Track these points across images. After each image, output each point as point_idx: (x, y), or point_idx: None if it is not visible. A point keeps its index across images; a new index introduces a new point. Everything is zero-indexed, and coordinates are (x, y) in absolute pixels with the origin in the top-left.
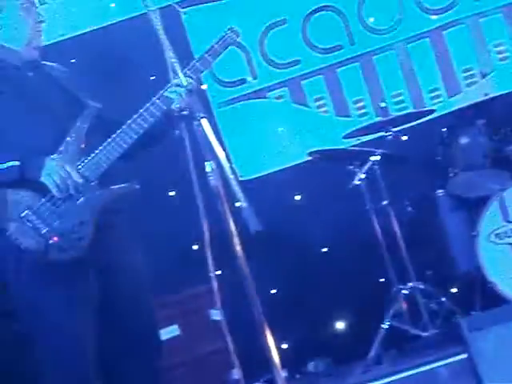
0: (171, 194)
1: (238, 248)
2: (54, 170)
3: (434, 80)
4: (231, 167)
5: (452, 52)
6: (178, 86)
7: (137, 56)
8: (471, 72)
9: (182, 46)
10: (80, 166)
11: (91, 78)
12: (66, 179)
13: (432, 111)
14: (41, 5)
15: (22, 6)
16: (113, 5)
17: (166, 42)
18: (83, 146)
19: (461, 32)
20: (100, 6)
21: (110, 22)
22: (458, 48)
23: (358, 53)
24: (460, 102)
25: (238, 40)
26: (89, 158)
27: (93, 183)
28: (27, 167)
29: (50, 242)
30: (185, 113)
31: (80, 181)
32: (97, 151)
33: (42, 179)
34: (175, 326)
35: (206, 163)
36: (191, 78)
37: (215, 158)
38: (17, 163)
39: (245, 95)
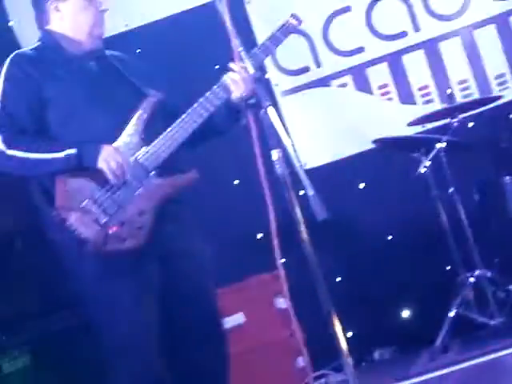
0: (236, 182)
1: (305, 236)
2: (111, 157)
3: (500, 66)
4: (296, 155)
5: None
6: (232, 71)
7: (201, 45)
8: None
9: (246, 35)
10: (139, 156)
11: (156, 67)
12: (122, 165)
13: (498, 97)
14: None
15: None
16: None
17: (231, 30)
18: (143, 136)
19: None
20: None
21: (174, 12)
22: None
23: (423, 39)
24: None
25: (299, 27)
26: (148, 147)
27: (152, 173)
28: (84, 154)
29: (110, 231)
30: (251, 101)
31: (137, 172)
32: (156, 141)
33: (99, 165)
34: (240, 314)
35: (272, 151)
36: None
37: (281, 146)
38: (74, 151)
39: (308, 83)
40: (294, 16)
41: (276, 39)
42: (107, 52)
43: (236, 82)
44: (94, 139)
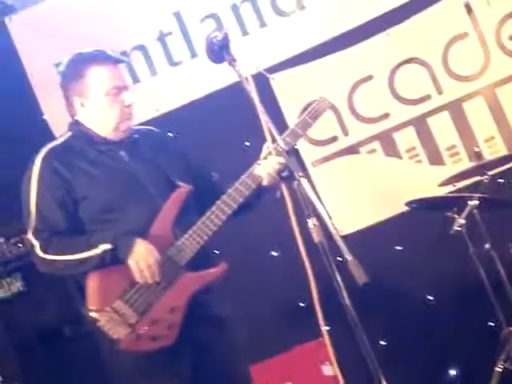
0: (274, 253)
1: (347, 301)
2: (142, 257)
3: None
4: (332, 222)
5: None
6: (265, 159)
7: (231, 126)
8: None
9: (272, 111)
10: (170, 251)
11: (187, 149)
12: (152, 267)
13: None
14: (134, 83)
15: (108, 93)
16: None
17: (260, 107)
18: (174, 228)
19: None
20: (191, 79)
21: (202, 95)
22: None
23: (447, 101)
24: None
25: (328, 109)
26: (179, 241)
27: (182, 268)
28: (118, 248)
29: (141, 331)
30: (284, 174)
31: (167, 271)
32: (187, 234)
33: (129, 262)
34: None
35: (308, 220)
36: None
37: (316, 214)
38: (109, 246)
39: (337, 152)
40: (321, 100)
41: (306, 124)
42: (140, 131)
43: (268, 173)
44: (126, 232)
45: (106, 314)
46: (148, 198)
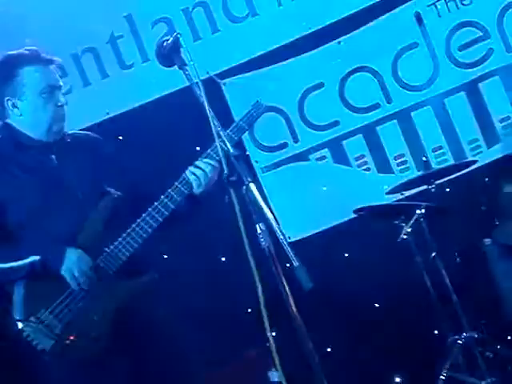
0: (223, 259)
1: (293, 308)
2: (75, 265)
3: (473, 131)
4: (280, 228)
5: (488, 103)
6: (196, 167)
7: (181, 129)
8: (509, 121)
9: (223, 116)
10: (99, 259)
11: (136, 152)
12: (85, 273)
13: (473, 162)
14: (85, 86)
15: (42, 92)
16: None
17: (210, 112)
18: (103, 235)
19: (495, 83)
20: (142, 83)
21: (153, 98)
22: (494, 99)
23: (396, 110)
24: (499, 151)
25: (262, 114)
26: (108, 249)
27: (111, 276)
28: (48, 260)
29: (67, 341)
30: (232, 178)
31: (98, 278)
32: (116, 242)
33: (62, 273)
34: None
35: (256, 226)
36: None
37: (265, 220)
38: (37, 258)
39: (287, 158)
40: (256, 105)
41: (240, 129)
42: (74, 135)
43: (198, 178)
44: (54, 239)
45: (31, 324)
46: (76, 203)
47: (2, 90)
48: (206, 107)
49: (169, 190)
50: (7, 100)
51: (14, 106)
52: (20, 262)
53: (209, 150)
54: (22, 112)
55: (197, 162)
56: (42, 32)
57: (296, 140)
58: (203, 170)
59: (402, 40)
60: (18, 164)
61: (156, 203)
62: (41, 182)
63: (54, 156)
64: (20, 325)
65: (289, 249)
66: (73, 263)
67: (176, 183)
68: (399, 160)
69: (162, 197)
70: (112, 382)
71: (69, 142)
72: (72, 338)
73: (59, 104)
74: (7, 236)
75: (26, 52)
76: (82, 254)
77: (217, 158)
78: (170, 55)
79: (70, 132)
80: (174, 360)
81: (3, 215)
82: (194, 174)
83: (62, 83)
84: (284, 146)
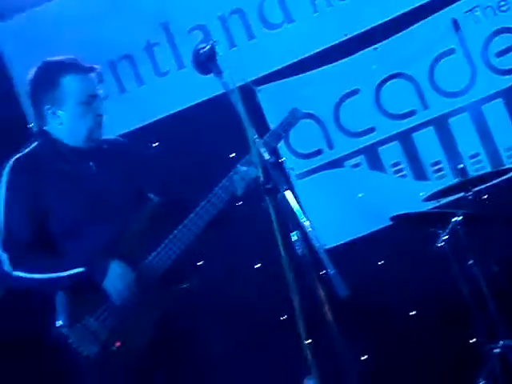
0: (257, 266)
1: (329, 315)
2: (118, 279)
3: (510, 138)
4: (316, 236)
5: None
6: (240, 172)
7: (217, 136)
8: None
9: (259, 123)
10: (141, 267)
11: (171, 160)
12: (128, 287)
13: (510, 169)
14: (121, 93)
15: (83, 101)
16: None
17: (246, 119)
18: (146, 242)
19: None
20: (178, 90)
21: (188, 105)
22: None
23: (432, 116)
24: None
25: (299, 121)
26: (150, 257)
27: (153, 284)
28: (92, 273)
29: (113, 348)
30: (268, 186)
31: (141, 288)
32: (159, 249)
33: (105, 286)
34: None
35: (291, 233)
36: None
37: (300, 227)
38: (81, 270)
39: (322, 165)
40: (292, 112)
41: (277, 136)
42: (108, 141)
43: (241, 185)
44: (96, 247)
45: (76, 331)
46: (117, 211)
47: (43, 97)
48: (242, 114)
49: (210, 196)
50: (47, 109)
51: (53, 114)
52: (64, 273)
53: (247, 157)
54: (62, 121)
55: (237, 169)
56: (78, 39)
57: (331, 147)
58: (243, 177)
59: (438, 46)
60: (57, 172)
61: (197, 209)
62: (81, 190)
63: (92, 163)
64: (65, 331)
65: (324, 256)
66: (116, 277)
67: (216, 189)
68: (436, 167)
69: (203, 203)
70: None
71: (106, 148)
72: (118, 344)
73: (99, 113)
74: (49, 245)
75: (66, 60)
76: (125, 268)
77: (254, 165)
78: (206, 63)
79: (105, 138)
80: (210, 367)
81: (45, 224)
82: (234, 181)
83: (101, 91)
84: (319, 152)
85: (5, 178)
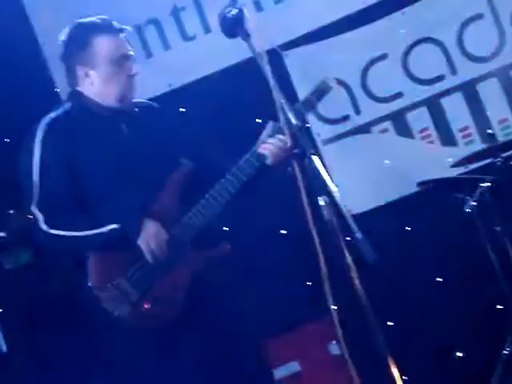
0: (283, 231)
1: (356, 281)
2: (153, 238)
3: None
4: (342, 201)
5: None
6: (267, 141)
7: (244, 101)
8: None
9: (285, 88)
10: (174, 229)
11: (199, 125)
12: (163, 246)
13: None
14: (147, 58)
15: (115, 61)
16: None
17: (273, 83)
18: (178, 205)
19: None
20: (205, 54)
21: (215, 70)
22: None
23: (461, 82)
24: None
25: (330, 89)
26: (183, 219)
27: (186, 246)
28: (127, 230)
29: (142, 309)
30: (295, 151)
31: (173, 250)
32: (190, 212)
33: (140, 244)
34: (295, 363)
35: (318, 198)
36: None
37: (327, 193)
38: (116, 226)
39: (349, 131)
40: (324, 82)
41: (310, 103)
42: (139, 104)
43: (272, 152)
44: (131, 208)
45: (108, 291)
46: (150, 173)
47: (75, 58)
48: (270, 78)
49: (240, 162)
50: (80, 69)
51: (86, 74)
52: (99, 230)
53: (276, 124)
54: (94, 81)
55: (268, 136)
56: (105, 2)
57: (358, 112)
58: (273, 144)
59: (467, 10)
60: (90, 131)
61: (227, 175)
62: (114, 151)
63: (124, 125)
64: (96, 291)
65: (352, 221)
66: (151, 235)
67: (247, 155)
68: (464, 132)
69: (234, 168)
70: (183, 350)
71: (137, 111)
72: (147, 305)
73: (131, 73)
74: (84, 205)
75: (98, 21)
76: (159, 227)
77: (284, 131)
78: (233, 26)
79: (137, 101)
80: (234, 330)
81: (79, 185)
82: (265, 147)
83: (132, 52)
84: (346, 118)
85: (39, 138)
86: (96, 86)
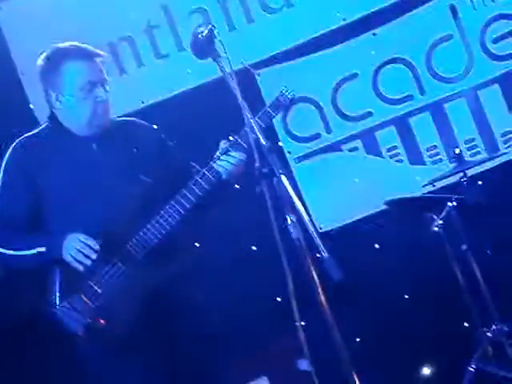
0: (254, 248)
1: (322, 298)
2: (70, 246)
3: (506, 124)
4: (311, 220)
5: None
6: (226, 154)
7: (214, 119)
8: None
9: (257, 107)
10: (128, 244)
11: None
12: (81, 249)
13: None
14: (120, 75)
15: (82, 87)
16: (189, 70)
17: (243, 103)
18: (133, 220)
19: None
20: (177, 72)
21: (187, 88)
22: None
23: (429, 101)
24: None
25: (289, 103)
26: (137, 236)
27: (141, 261)
28: (52, 250)
29: (97, 324)
30: (264, 170)
31: (96, 247)
32: (145, 229)
33: (65, 259)
34: (264, 378)
35: (286, 217)
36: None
37: (295, 211)
38: (43, 249)
39: (320, 149)
40: (282, 94)
41: (267, 115)
42: (116, 121)
43: (226, 168)
44: (87, 225)
45: (63, 308)
46: (111, 190)
47: (47, 83)
48: (239, 98)
49: (196, 177)
50: (51, 92)
51: (56, 99)
52: (28, 252)
53: (238, 140)
54: (63, 106)
55: (220, 153)
56: (79, 20)
57: (329, 131)
58: (230, 161)
59: (436, 32)
60: (59, 152)
61: (183, 190)
62: (79, 170)
63: (95, 144)
64: (54, 309)
65: (318, 240)
66: (69, 245)
67: (203, 170)
68: (431, 152)
69: (190, 183)
70: (142, 367)
71: (109, 128)
72: (102, 321)
73: (98, 99)
74: (40, 225)
75: (71, 47)
76: (76, 234)
77: (245, 148)
78: (204, 48)
79: (113, 118)
80: (201, 346)
81: (38, 202)
82: (222, 163)
83: (106, 77)
84: (317, 136)
85: (5, 158)
86: (66, 110)
